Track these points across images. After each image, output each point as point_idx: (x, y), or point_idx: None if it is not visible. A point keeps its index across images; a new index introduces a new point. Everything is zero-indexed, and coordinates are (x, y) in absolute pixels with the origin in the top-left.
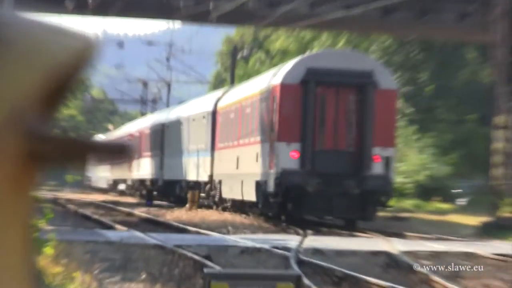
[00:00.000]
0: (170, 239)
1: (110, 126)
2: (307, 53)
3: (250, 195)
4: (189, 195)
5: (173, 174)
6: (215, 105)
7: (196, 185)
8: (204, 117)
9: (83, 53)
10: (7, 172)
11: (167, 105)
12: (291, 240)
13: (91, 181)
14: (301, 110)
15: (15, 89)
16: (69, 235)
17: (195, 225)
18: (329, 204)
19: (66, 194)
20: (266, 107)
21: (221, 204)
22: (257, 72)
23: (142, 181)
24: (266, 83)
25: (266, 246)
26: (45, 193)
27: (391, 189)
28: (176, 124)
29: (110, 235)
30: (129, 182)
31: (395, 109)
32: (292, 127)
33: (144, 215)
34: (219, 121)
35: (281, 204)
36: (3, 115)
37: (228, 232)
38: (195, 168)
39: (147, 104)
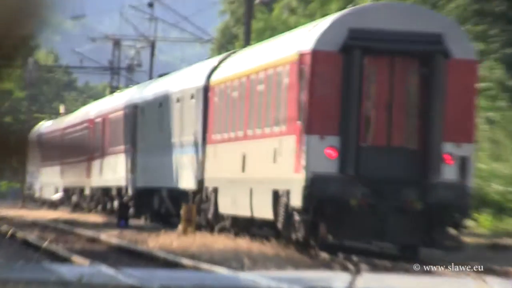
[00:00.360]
0: (154, 278)
1: (62, 108)
2: (351, 7)
3: (264, 211)
4: (182, 212)
5: (150, 180)
6: (208, 78)
7: (182, 196)
8: (192, 96)
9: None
10: None
11: (150, 75)
12: (336, 279)
13: (32, 190)
14: (341, 89)
15: None
16: (3, 272)
17: (192, 257)
18: (381, 224)
19: None
20: (290, 84)
21: (216, 223)
22: (285, 26)
23: (105, 190)
24: (291, 48)
25: None
26: None
27: (468, 203)
28: (153, 107)
29: (65, 271)
30: (87, 192)
31: (474, 88)
32: (327, 113)
33: (115, 241)
34: (213, 102)
35: (311, 224)
36: None
37: (242, 267)
38: (179, 171)
39: (119, 73)
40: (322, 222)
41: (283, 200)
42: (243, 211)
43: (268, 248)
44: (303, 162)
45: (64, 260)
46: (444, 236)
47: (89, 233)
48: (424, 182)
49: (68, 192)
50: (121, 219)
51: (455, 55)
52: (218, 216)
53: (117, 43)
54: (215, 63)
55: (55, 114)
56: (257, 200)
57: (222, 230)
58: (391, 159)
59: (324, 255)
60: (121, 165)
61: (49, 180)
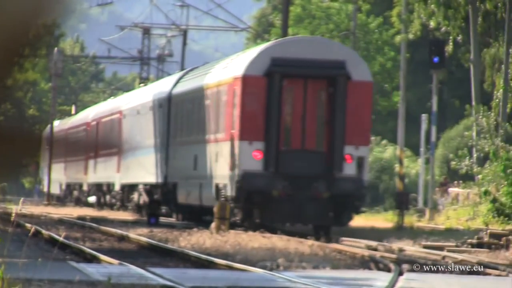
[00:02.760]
0: (185, 278)
1: (73, 109)
2: (272, 41)
3: (209, 201)
4: (216, 209)
5: (130, 176)
6: (171, 91)
7: (153, 189)
8: (160, 105)
9: None
10: None
11: (182, 64)
12: (377, 279)
13: (42, 185)
14: (265, 105)
15: None
16: (28, 271)
17: (225, 256)
18: (298, 210)
19: (21, 207)
20: (226, 101)
21: (176, 211)
22: (324, 13)
23: (98, 186)
24: (228, 72)
25: None
26: None
27: (364, 193)
28: (134, 112)
29: (92, 270)
30: (85, 187)
31: (370, 103)
32: (254, 124)
33: (145, 239)
34: (174, 111)
35: (243, 210)
36: None
37: (277, 267)
38: (151, 169)
39: (149, 64)
40: (254, 209)
41: (222, 192)
42: (195, 201)
43: (305, 247)
44: (236, 162)
45: (92, 259)
46: (347, 217)
47: (118, 230)
48: (330, 177)
49: (70, 187)
50: (151, 217)
51: (354, 78)
52: (177, 206)
53: (146, 32)
54: (178, 78)
55: (82, 106)
56: (205, 193)
57: (184, 218)
58: (305, 159)
59: (364, 255)
60: (109, 163)
61: (55, 176)
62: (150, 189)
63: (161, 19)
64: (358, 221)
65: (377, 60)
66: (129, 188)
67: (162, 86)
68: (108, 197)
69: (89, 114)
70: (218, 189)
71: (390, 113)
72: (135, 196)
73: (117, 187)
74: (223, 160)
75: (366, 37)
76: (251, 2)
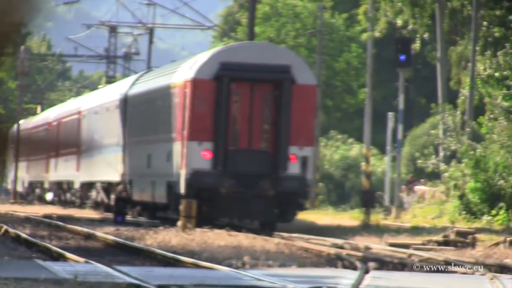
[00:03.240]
0: (152, 276)
1: (39, 109)
2: (221, 47)
3: (161, 197)
4: (182, 207)
5: (89, 175)
6: (127, 92)
7: (110, 187)
8: (116, 106)
9: None
10: None
11: (148, 63)
12: (343, 277)
13: (6, 183)
14: (214, 107)
15: None
16: None
17: (191, 254)
18: (245, 207)
19: None
20: (177, 103)
21: (131, 208)
22: (291, 11)
23: (59, 184)
24: (180, 76)
25: (302, 286)
26: None
27: (307, 191)
28: (93, 112)
29: (59, 269)
30: (46, 185)
31: (314, 105)
32: (204, 125)
33: (111, 238)
34: (130, 112)
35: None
36: None
37: (243, 265)
38: (108, 167)
39: (116, 62)
40: (203, 205)
41: (173, 189)
42: (148, 198)
43: (271, 245)
44: (186, 161)
45: (58, 257)
46: (291, 214)
47: (84, 229)
48: (275, 176)
49: (32, 185)
50: (118, 215)
51: (298, 81)
52: (132, 203)
53: (113, 30)
54: (134, 80)
55: (47, 104)
56: (157, 190)
57: (140, 214)
58: (251, 158)
59: (330, 253)
60: (69, 162)
61: (19, 175)
62: (107, 186)
63: (127, 17)
64: (325, 219)
65: (343, 58)
66: (88, 186)
67: (119, 88)
68: (68, 195)
69: (50, 114)
70: (169, 186)
71: (357, 111)
72: (93, 193)
73: (76, 185)
74: (174, 159)
75: (332, 35)
76: (217, 1)
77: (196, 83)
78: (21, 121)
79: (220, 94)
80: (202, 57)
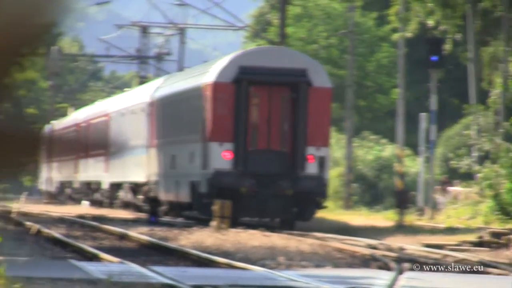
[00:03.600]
0: (186, 276)
1: (70, 110)
2: (240, 51)
3: (185, 197)
4: (216, 207)
5: (118, 176)
6: (153, 95)
7: (137, 188)
8: (142, 108)
9: None
10: None
11: (180, 63)
12: (378, 278)
13: (42, 184)
14: (233, 109)
15: None
16: (28, 270)
17: (225, 254)
18: (264, 206)
19: (22, 205)
20: (199, 106)
21: (158, 207)
22: (323, 11)
23: (87, 184)
24: (201, 79)
25: (337, 287)
26: None
27: (325, 190)
28: (119, 115)
29: (93, 269)
30: (77, 185)
31: (329, 107)
32: (224, 127)
33: (145, 238)
34: (155, 115)
35: (213, 205)
36: None
37: (277, 266)
38: (135, 168)
39: (147, 62)
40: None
41: (196, 188)
42: (173, 198)
43: (305, 245)
44: (207, 161)
45: (92, 257)
46: (310, 213)
47: (118, 229)
48: (293, 175)
49: (63, 185)
50: (152, 215)
51: (315, 84)
52: (158, 202)
53: (145, 31)
54: (159, 83)
55: (80, 105)
56: (181, 189)
57: (165, 213)
58: (270, 159)
59: (364, 252)
60: (99, 163)
61: (48, 175)
62: (134, 187)
63: (159, 17)
64: (358, 220)
65: (374, 58)
66: (116, 187)
67: (145, 91)
68: (97, 195)
69: (79, 115)
70: (192, 186)
71: (389, 112)
72: (121, 194)
73: (105, 186)
74: (196, 159)
75: (362, 35)
76: (248, 1)
77: (216, 86)
78: (52, 122)
79: (239, 96)
80: (222, 62)
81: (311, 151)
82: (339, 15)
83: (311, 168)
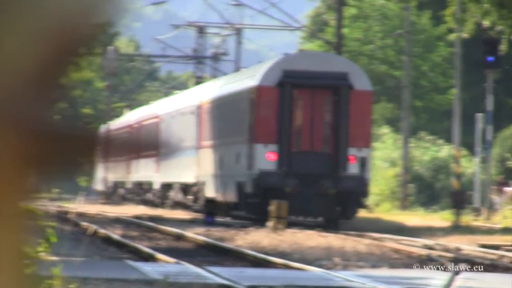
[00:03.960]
0: (243, 277)
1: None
2: (283, 56)
3: (232, 196)
4: (272, 208)
5: (169, 176)
6: (201, 98)
7: (187, 188)
8: (191, 111)
9: None
10: None
11: (237, 64)
12: (434, 278)
13: (98, 184)
14: (277, 112)
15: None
16: (84, 270)
17: (282, 255)
18: (307, 205)
19: (78, 206)
20: (244, 108)
21: (206, 207)
22: (379, 12)
23: (139, 184)
24: (246, 83)
25: None
26: (45, 205)
27: (366, 190)
28: (169, 117)
29: (149, 269)
30: (129, 186)
31: (370, 110)
32: (269, 129)
33: (202, 238)
34: (203, 118)
35: (259, 204)
36: None
37: (334, 266)
38: (185, 169)
39: (204, 62)
40: (270, 204)
41: (242, 188)
42: (220, 198)
43: (362, 246)
44: (253, 162)
45: (148, 258)
46: (352, 211)
47: (174, 229)
48: (335, 175)
49: (116, 185)
50: (208, 216)
51: (356, 87)
52: (206, 202)
53: (201, 31)
54: (208, 86)
55: (136, 105)
56: (228, 189)
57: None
58: (313, 159)
59: (421, 253)
60: (150, 164)
61: (104, 175)
62: (184, 187)
63: (215, 18)
64: (415, 220)
65: (430, 58)
66: (167, 187)
67: (194, 94)
68: (148, 195)
69: (132, 117)
70: (239, 186)
71: (445, 112)
72: (172, 194)
73: (156, 186)
74: (242, 160)
75: (418, 36)
76: (305, 1)
77: (261, 89)
78: (108, 122)
79: (283, 99)
80: (266, 66)
81: (352, 152)
82: (395, 16)
83: (353, 168)
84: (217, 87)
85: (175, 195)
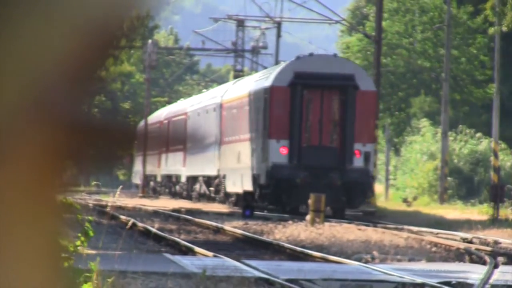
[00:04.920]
0: (281, 270)
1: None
2: (294, 59)
3: (248, 187)
4: (310, 201)
5: (194, 169)
6: (222, 97)
7: (209, 180)
8: (214, 108)
9: None
10: (23, 170)
11: (276, 57)
12: (472, 272)
13: (135, 178)
14: (289, 110)
15: (36, 55)
16: (122, 263)
17: (320, 248)
18: None
19: (117, 199)
20: (259, 107)
21: (226, 198)
22: (418, 5)
23: (169, 177)
24: (259, 84)
25: (431, 281)
26: (82, 198)
27: (370, 181)
28: (196, 114)
29: (187, 263)
30: (159, 179)
31: (374, 108)
32: (281, 125)
33: (240, 232)
34: (224, 115)
35: (272, 194)
36: (19, 93)
37: (372, 260)
38: (208, 163)
39: (243, 56)
40: (281, 194)
41: (257, 180)
42: (237, 189)
43: (400, 239)
44: (266, 156)
45: (187, 251)
46: (359, 201)
47: (212, 223)
48: (342, 168)
49: (147, 178)
50: (246, 209)
51: (361, 88)
52: (226, 193)
53: (240, 24)
54: (228, 86)
55: (175, 98)
56: (245, 181)
57: (232, 203)
58: (322, 153)
59: (459, 246)
60: (177, 158)
61: (138, 168)
62: (207, 180)
63: (255, 11)
64: (453, 213)
65: (468, 51)
66: (193, 180)
67: (217, 92)
68: (177, 187)
69: (162, 113)
70: (254, 178)
71: (484, 105)
72: (197, 186)
73: (183, 179)
74: (257, 154)
75: (457, 28)
76: None
77: (274, 89)
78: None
79: (294, 99)
80: (279, 68)
81: (357, 147)
82: (434, 9)
83: (358, 162)
84: (236, 87)
85: (200, 187)
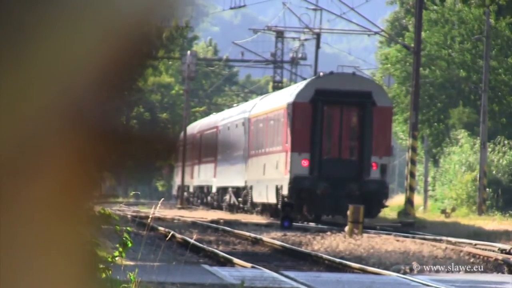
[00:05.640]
0: (319, 281)
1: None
2: (315, 77)
3: (272, 198)
4: (349, 212)
5: (224, 181)
6: (249, 112)
7: (238, 191)
8: (242, 123)
9: None
10: (60, 180)
11: (315, 68)
12: (509, 283)
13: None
14: (310, 125)
15: (67, 62)
16: (161, 275)
17: (359, 259)
18: (336, 205)
19: (156, 210)
20: (283, 122)
21: (253, 208)
22: (457, 17)
23: (201, 188)
24: (283, 100)
25: None
26: (121, 209)
27: (386, 192)
28: (226, 128)
29: (225, 274)
30: (191, 189)
31: (390, 123)
32: (302, 139)
33: (278, 243)
34: (251, 130)
35: (294, 205)
36: (50, 100)
37: (411, 271)
38: (236, 175)
39: (282, 67)
40: (303, 204)
41: (280, 191)
42: (263, 200)
43: (438, 250)
44: (289, 168)
45: (225, 262)
46: (376, 211)
47: (251, 234)
48: (360, 179)
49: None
50: (285, 220)
51: (378, 104)
52: (253, 203)
53: (280, 35)
54: (256, 101)
55: (215, 110)
56: (269, 192)
57: (258, 213)
58: (341, 165)
59: (497, 257)
60: (208, 170)
61: (175, 179)
62: (236, 191)
63: (294, 22)
64: (492, 224)
65: (506, 60)
66: (223, 190)
67: (244, 108)
68: (208, 198)
69: (196, 126)
70: (277, 189)
71: None
72: (227, 197)
73: (214, 190)
74: (280, 167)
75: (496, 40)
76: (384, 6)
77: (296, 105)
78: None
79: (315, 114)
80: (300, 85)
81: (374, 159)
82: (473, 20)
83: (375, 173)
84: (262, 102)
85: (230, 198)
